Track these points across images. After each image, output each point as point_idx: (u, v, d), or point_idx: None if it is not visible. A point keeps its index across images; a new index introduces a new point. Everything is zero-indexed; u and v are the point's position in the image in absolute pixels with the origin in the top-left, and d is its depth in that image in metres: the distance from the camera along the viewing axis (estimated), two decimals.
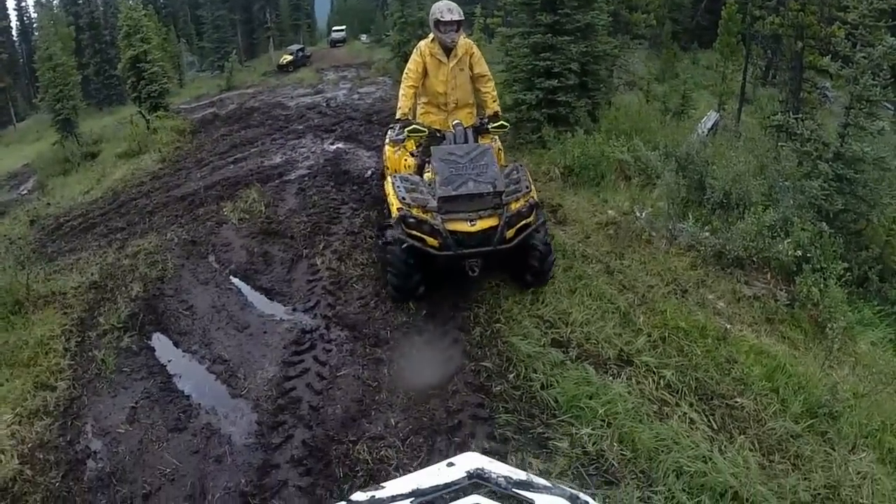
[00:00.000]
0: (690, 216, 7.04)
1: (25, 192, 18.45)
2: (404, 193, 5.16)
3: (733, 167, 7.65)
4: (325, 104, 20.09)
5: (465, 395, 4.43)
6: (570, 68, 10.81)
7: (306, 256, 7.07)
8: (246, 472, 4.03)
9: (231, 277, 6.90)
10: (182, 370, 5.36)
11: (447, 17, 5.80)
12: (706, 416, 4.21)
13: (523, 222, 5.09)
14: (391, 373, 4.78)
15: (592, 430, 3.95)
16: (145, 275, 7.13)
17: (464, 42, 6.02)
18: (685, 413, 4.18)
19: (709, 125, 13.45)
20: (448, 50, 5.95)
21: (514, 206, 5.04)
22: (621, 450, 3.83)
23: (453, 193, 4.98)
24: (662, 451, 3.79)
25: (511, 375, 4.58)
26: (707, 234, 6.85)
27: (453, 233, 4.93)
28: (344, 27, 56.14)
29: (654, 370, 4.59)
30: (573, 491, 1.78)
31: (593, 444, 3.86)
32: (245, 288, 6.65)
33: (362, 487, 1.80)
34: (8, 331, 6.33)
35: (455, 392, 4.47)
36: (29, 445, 4.61)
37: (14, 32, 52.88)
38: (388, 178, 5.88)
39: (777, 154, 9.35)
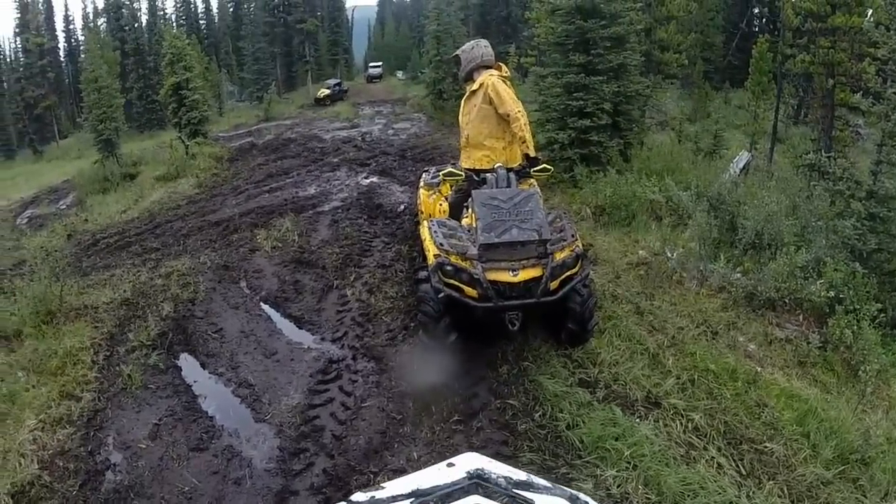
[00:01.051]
0: (722, 257, 6.97)
1: (64, 206, 18.86)
2: (442, 239, 4.87)
3: (765, 207, 7.55)
4: (360, 138, 20.37)
5: (490, 431, 4.40)
6: (602, 108, 10.88)
7: (337, 287, 7.12)
8: (264, 497, 4.03)
9: (261, 304, 6.98)
10: (207, 391, 5.41)
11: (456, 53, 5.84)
12: (734, 460, 4.13)
13: (568, 273, 4.78)
14: (416, 406, 4.75)
15: (618, 472, 3.89)
16: (177, 295, 7.24)
17: (483, 77, 5.72)
18: (713, 457, 4.10)
19: (740, 165, 13.35)
20: (472, 82, 5.83)
21: (559, 256, 4.73)
22: (646, 493, 3.76)
23: (496, 241, 4.66)
24: (689, 496, 3.72)
25: (537, 414, 4.53)
26: (738, 275, 6.77)
27: (494, 283, 4.61)
28: (381, 63, 57.09)
29: (683, 413, 4.51)
30: (573, 491, 1.78)
31: (618, 486, 3.80)
32: (275, 315, 6.71)
33: (362, 488, 1.78)
34: (38, 339, 6.46)
35: (480, 429, 4.44)
36: (50, 452, 4.68)
37: (61, 53, 54.67)
38: (424, 223, 5.62)
39: (809, 193, 9.25)
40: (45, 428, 4.94)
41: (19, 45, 51.07)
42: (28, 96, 46.59)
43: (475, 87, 5.74)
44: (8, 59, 58.05)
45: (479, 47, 5.91)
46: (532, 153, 5.60)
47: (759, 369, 5.27)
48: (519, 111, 5.52)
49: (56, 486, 4.35)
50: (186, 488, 4.19)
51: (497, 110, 5.58)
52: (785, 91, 21.25)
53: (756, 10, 37.42)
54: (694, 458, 4.09)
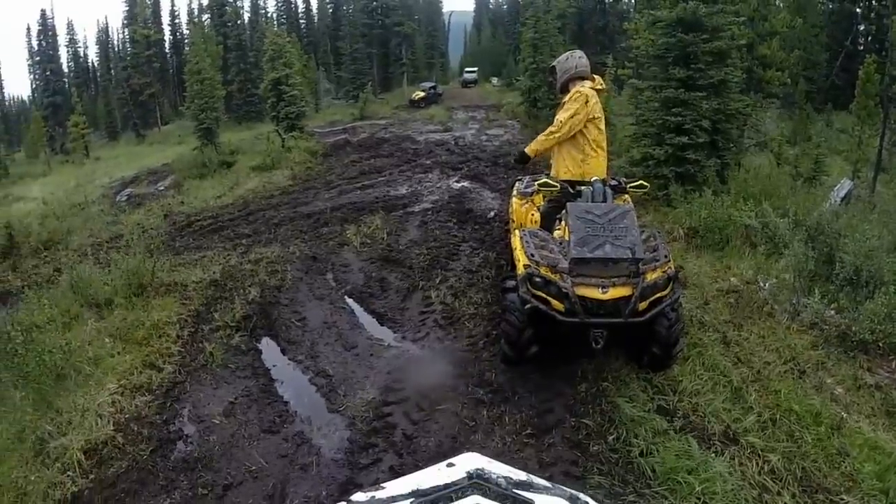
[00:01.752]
0: (816, 291, 6.61)
1: (162, 188, 19.67)
2: (533, 250, 4.82)
3: (866, 242, 7.11)
4: (453, 142, 20.54)
5: (561, 449, 4.34)
6: (701, 125, 10.59)
7: (422, 288, 7.21)
8: (329, 486, 4.10)
9: (346, 297, 7.14)
10: (285, 376, 5.57)
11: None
12: None
13: (658, 295, 4.63)
14: (490, 415, 4.74)
15: None
16: (264, 282, 7.50)
17: (576, 88, 5.72)
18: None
19: (841, 194, 12.69)
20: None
21: (651, 277, 4.59)
22: None
23: (588, 256, 4.56)
24: None
25: (611, 437, 4.43)
26: (832, 312, 6.42)
27: (582, 298, 4.52)
28: (476, 69, 57.34)
29: (760, 453, 4.30)
30: (573, 491, 1.75)
31: None
32: (358, 309, 6.85)
33: (362, 488, 1.79)
34: (128, 310, 6.84)
35: (551, 445, 4.39)
36: (126, 416, 4.94)
37: (167, 45, 57.36)
38: (516, 232, 5.55)
39: None
40: (125, 393, 5.22)
41: (127, 36, 53.88)
42: (134, 84, 49.17)
43: (566, 97, 5.74)
44: (116, 49, 61.57)
45: (574, 58, 5.88)
46: (528, 153, 5.90)
47: (844, 415, 4.94)
48: (562, 122, 5.59)
49: (128, 449, 4.58)
50: (253, 468, 4.32)
51: (598, 125, 5.66)
52: (891, 116, 20.00)
53: (862, 28, 35.44)
54: (766, 502, 3.90)
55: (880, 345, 5.99)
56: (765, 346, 5.84)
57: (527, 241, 4.97)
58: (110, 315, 6.82)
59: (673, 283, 4.75)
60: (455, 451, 4.30)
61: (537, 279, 4.64)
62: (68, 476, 4.32)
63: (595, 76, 5.95)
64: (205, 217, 12.29)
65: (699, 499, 3.81)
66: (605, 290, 4.55)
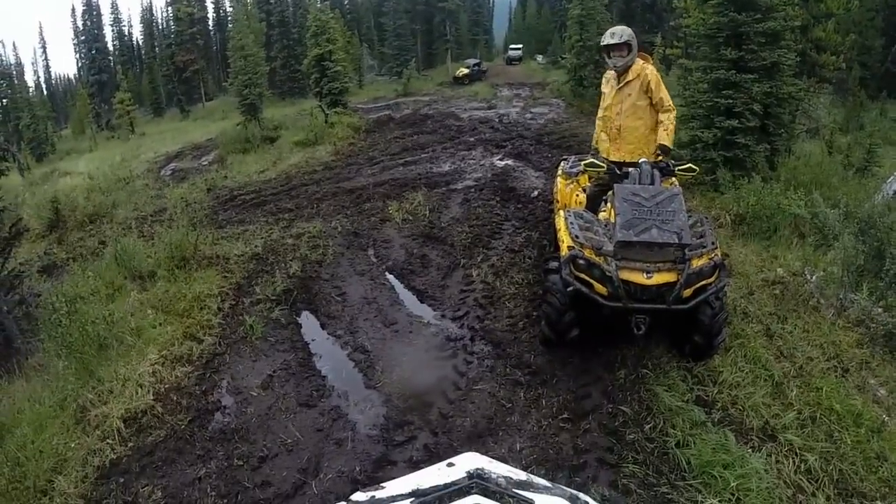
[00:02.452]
0: (865, 287, 6.38)
1: (206, 162, 19.98)
2: (578, 231, 4.77)
3: None
4: (497, 120, 20.40)
5: (597, 436, 4.33)
6: (751, 109, 10.30)
7: (463, 266, 7.22)
8: (362, 461, 4.17)
9: (387, 273, 7.21)
10: (323, 351, 5.67)
11: (608, 41, 5.53)
12: None
13: (703, 283, 4.53)
14: (527, 397, 4.75)
15: (720, 502, 3.71)
16: (305, 256, 7.61)
17: (638, 66, 5.59)
18: None
19: (895, 187, 12.31)
20: (619, 75, 5.65)
21: (697, 263, 4.49)
22: None
23: (634, 239, 4.46)
24: None
25: (648, 426, 4.40)
26: (880, 310, 6.20)
27: (626, 283, 4.44)
28: (521, 46, 56.60)
29: (797, 451, 4.21)
30: (573, 491, 1.75)
31: None
32: (398, 286, 6.91)
33: (362, 488, 1.79)
34: (171, 282, 7.02)
35: (587, 431, 4.38)
36: (166, 386, 5.09)
37: (210, 23, 57.89)
38: (560, 212, 5.49)
39: None
40: (165, 363, 5.37)
41: (171, 14, 54.40)
42: (178, 60, 49.86)
43: (630, 77, 5.60)
44: (160, 27, 62.32)
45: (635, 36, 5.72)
46: (669, 144, 5.49)
47: (886, 418, 4.79)
48: (671, 103, 5.48)
49: (167, 418, 4.72)
50: (289, 440, 4.41)
51: (651, 101, 5.52)
52: None
53: None
54: (800, 502, 3.83)
55: None
56: (808, 340, 5.69)
57: (571, 222, 4.91)
58: (153, 287, 7.00)
59: (719, 270, 4.65)
60: (490, 433, 4.37)
61: (581, 261, 4.60)
62: (107, 444, 4.48)
63: (646, 54, 5.85)
64: (247, 191, 12.48)
65: (733, 495, 3.76)
66: (649, 275, 4.47)
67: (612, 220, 4.77)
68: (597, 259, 4.56)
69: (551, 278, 5.00)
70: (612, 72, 5.74)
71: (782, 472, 4.04)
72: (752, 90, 10.28)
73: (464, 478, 1.75)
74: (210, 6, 57.82)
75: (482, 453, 4.02)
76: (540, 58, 52.58)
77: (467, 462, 1.87)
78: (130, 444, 4.49)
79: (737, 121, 10.20)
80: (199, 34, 51.25)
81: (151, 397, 4.92)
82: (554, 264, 5.03)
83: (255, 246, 8.14)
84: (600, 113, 5.88)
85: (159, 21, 64.34)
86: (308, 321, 6.26)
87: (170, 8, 54.41)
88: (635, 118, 5.62)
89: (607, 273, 4.49)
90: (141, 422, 4.69)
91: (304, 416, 4.70)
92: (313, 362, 5.47)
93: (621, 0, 37.66)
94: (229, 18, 51.17)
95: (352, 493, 1.76)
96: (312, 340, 5.87)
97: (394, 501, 1.68)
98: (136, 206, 13.14)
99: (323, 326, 6.12)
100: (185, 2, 50.06)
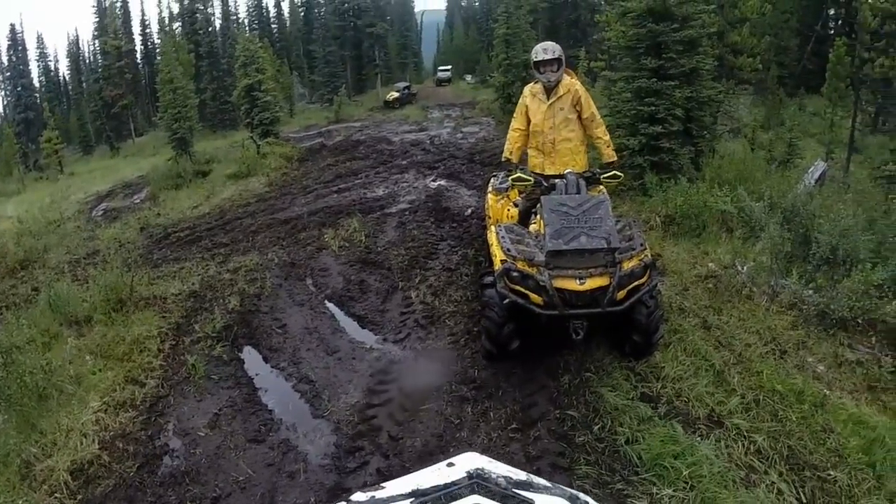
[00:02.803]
0: (794, 272, 6.67)
1: (138, 201, 19.44)
2: (509, 245, 4.84)
3: (840, 221, 7.19)
4: (428, 141, 20.57)
5: (548, 442, 4.36)
6: (674, 114, 10.64)
7: (402, 289, 7.20)
8: (317, 492, 4.11)
9: (326, 302, 7.12)
10: (268, 385, 5.55)
11: (542, 57, 5.66)
12: (795, 487, 3.96)
13: (636, 283, 4.67)
14: (475, 412, 4.75)
15: (674, 491, 3.79)
16: (243, 290, 7.45)
17: (568, 81, 5.77)
18: (773, 482, 3.96)
19: (816, 176, 12.84)
20: (550, 89, 5.78)
21: (627, 266, 4.63)
22: None
23: (564, 247, 4.58)
24: None
25: (596, 427, 4.46)
26: (810, 291, 6.48)
27: (560, 290, 4.53)
28: (450, 67, 57.28)
29: (745, 434, 4.36)
30: (573, 491, 1.76)
31: None
32: (338, 313, 6.83)
33: (363, 487, 1.78)
34: (108, 325, 6.77)
35: (537, 438, 4.40)
36: (111, 433, 4.90)
37: (138, 55, 56.69)
38: (492, 228, 5.59)
39: (887, 208, 8.83)
40: (109, 410, 5.18)
41: (98, 48, 53.35)
42: (106, 95, 48.49)
43: (562, 92, 5.75)
44: (87, 61, 60.87)
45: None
46: (614, 158, 5.79)
47: (827, 392, 5.02)
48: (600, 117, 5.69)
49: (114, 467, 4.54)
50: (241, 478, 4.30)
51: (580, 115, 5.72)
52: (862, 97, 20.29)
53: (832, 12, 35.78)
54: (754, 482, 3.96)
55: (859, 321, 6.08)
56: (745, 328, 5.89)
57: (503, 237, 4.98)
58: (90, 332, 6.76)
59: (650, 270, 4.79)
60: (441, 450, 4.33)
61: (514, 273, 4.66)
62: (56, 498, 4.29)
63: (567, 69, 5.99)
64: (182, 228, 12.19)
65: (687, 483, 3.85)
66: (582, 281, 4.56)
67: (542, 231, 4.86)
68: (530, 270, 4.64)
69: (488, 293, 5.06)
70: (538, 86, 5.87)
71: (733, 456, 4.16)
72: (673, 96, 10.62)
73: (464, 478, 1.74)
74: (138, 38, 56.77)
75: None
76: (469, 77, 53.33)
77: (467, 462, 1.86)
78: (80, 497, 4.31)
79: (660, 126, 10.52)
80: (126, 67, 49.92)
81: (97, 446, 4.73)
82: (489, 279, 5.09)
83: (192, 283, 7.95)
84: (514, 125, 6.00)
85: (86, 55, 62.76)
86: (251, 356, 6.13)
87: (96, 41, 53.28)
88: (568, 131, 5.79)
89: (541, 283, 4.56)
90: (88, 473, 4.50)
91: (255, 452, 4.59)
92: (259, 397, 5.35)
93: (546, 17, 38.52)
94: (157, 51, 50.32)
95: (351, 494, 1.74)
96: (256, 375, 5.74)
97: (394, 501, 1.67)
98: (68, 249, 12.65)
99: (266, 360, 6.01)
100: (111, 34, 48.92)
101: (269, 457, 4.52)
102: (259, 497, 4.12)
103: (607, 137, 5.84)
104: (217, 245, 10.05)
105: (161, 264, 9.35)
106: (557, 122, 5.77)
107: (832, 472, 4.11)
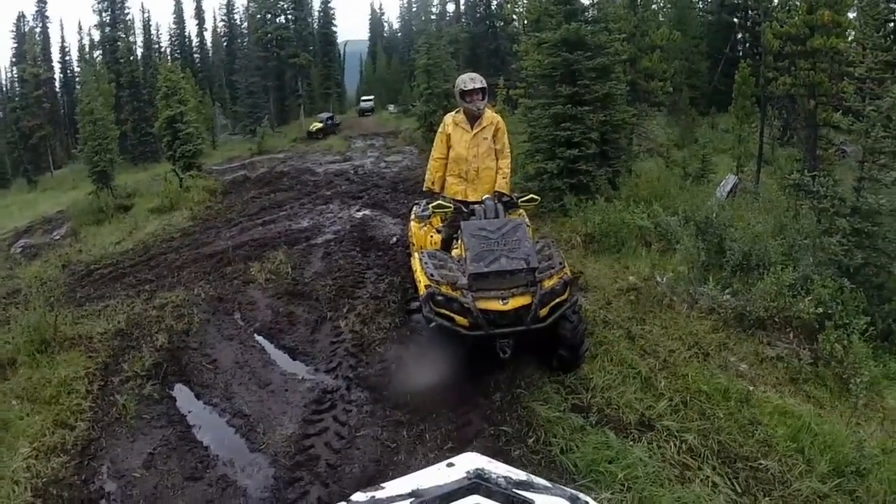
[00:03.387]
0: (711, 279, 7.03)
1: (59, 237, 18.86)
2: (433, 270, 4.95)
3: (752, 228, 7.69)
4: (352, 171, 20.58)
5: None
6: (590, 137, 11.07)
7: (330, 318, 7.16)
8: None
9: (255, 335, 7.01)
10: (202, 421, 5.42)
11: (470, 86, 5.81)
12: (729, 479, 4.16)
13: (557, 300, 4.83)
14: (410, 435, 4.78)
15: (612, 494, 3.91)
16: (171, 327, 7.25)
17: (490, 114, 5.99)
18: (707, 477, 4.14)
19: (728, 188, 13.53)
20: (474, 119, 5.94)
21: (548, 284, 4.80)
22: None
23: (485, 270, 4.73)
24: None
25: (531, 440, 4.56)
26: (728, 296, 6.83)
27: (485, 311, 4.66)
28: (372, 97, 57.54)
29: (676, 434, 4.55)
30: (573, 491, 1.79)
31: None
32: (269, 346, 6.74)
33: (362, 488, 1.80)
34: (33, 368, 6.48)
35: None
36: (43, 480, 4.67)
37: (57, 84, 54.81)
38: (415, 255, 5.70)
39: (796, 213, 9.39)
40: (39, 456, 4.94)
41: (16, 75, 51.32)
42: (23, 126, 46.51)
43: (485, 122, 5.94)
44: (4, 89, 58.32)
45: None
46: (506, 191, 5.93)
47: (751, 388, 5.32)
48: (509, 151, 5.95)
49: None
50: None
51: (496, 145, 5.92)
52: (769, 113, 21.56)
53: (739, 36, 37.93)
54: (689, 478, 4.13)
55: (776, 320, 6.50)
56: (668, 335, 6.17)
57: (426, 262, 5.10)
58: (15, 375, 6.45)
59: (570, 287, 4.97)
60: (380, 474, 4.34)
61: (439, 297, 4.76)
62: None
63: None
64: (105, 265, 11.80)
65: (623, 485, 3.98)
66: (505, 301, 4.71)
67: (464, 255, 4.99)
68: (454, 293, 4.75)
69: (414, 318, 5.16)
70: (460, 115, 6.03)
71: (666, 456, 4.34)
72: (588, 120, 11.07)
73: (464, 478, 1.75)
74: (57, 66, 54.90)
75: None
76: (391, 107, 53.59)
77: (467, 462, 1.87)
78: None
79: (577, 150, 10.93)
80: (45, 97, 48.05)
81: (30, 494, 4.50)
82: (415, 304, 5.18)
83: (118, 321, 7.68)
84: (436, 155, 6.14)
85: (3, 83, 60.02)
86: (182, 393, 5.96)
87: (14, 68, 51.14)
88: (490, 160, 5.99)
89: (465, 305, 4.68)
90: None
91: (193, 490, 4.47)
92: (193, 434, 5.21)
93: (466, 47, 39.31)
94: (77, 80, 48.65)
95: (351, 494, 1.74)
96: (189, 412, 5.59)
97: (394, 502, 1.68)
98: None
99: (198, 396, 5.85)
100: (30, 62, 47.09)
101: (208, 493, 4.42)
102: None
103: (507, 170, 6.02)
104: (142, 281, 9.76)
105: (85, 302, 9.02)
106: (481, 151, 5.95)
107: (763, 462, 4.34)
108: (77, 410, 5.64)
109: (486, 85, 5.89)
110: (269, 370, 6.18)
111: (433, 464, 4.24)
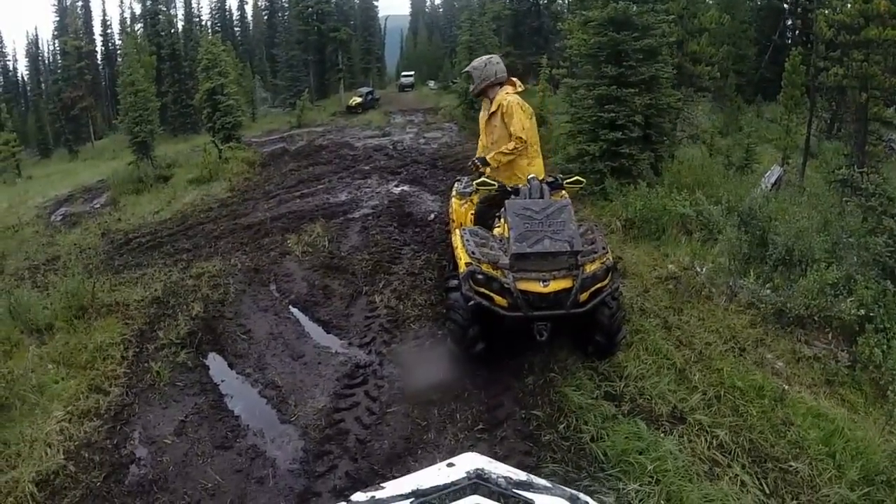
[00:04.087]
0: (751, 273, 6.87)
1: (98, 205, 19.08)
2: (474, 248, 4.90)
3: (796, 223, 7.49)
4: (391, 147, 20.52)
5: (514, 441, 4.40)
6: (634, 120, 10.86)
7: (366, 293, 7.18)
8: (287, 497, 4.08)
9: (290, 307, 7.07)
10: (234, 391, 5.49)
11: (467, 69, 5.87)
12: (758, 479, 4.09)
13: (598, 286, 4.76)
14: (441, 414, 4.77)
15: (640, 486, 3.86)
16: (207, 296, 7.36)
17: (499, 97, 5.88)
18: (737, 475, 4.07)
19: (772, 180, 13.21)
20: (490, 102, 5.96)
21: (590, 268, 4.72)
22: None
23: (528, 251, 4.68)
24: None
25: (561, 426, 4.52)
26: (768, 291, 6.69)
27: (524, 293, 4.62)
28: (412, 73, 57.38)
29: (708, 429, 4.48)
30: (573, 491, 1.78)
31: (640, 501, 3.78)
32: (303, 318, 6.79)
33: (363, 488, 1.80)
34: (70, 333, 6.61)
35: (504, 438, 4.45)
36: (76, 443, 4.78)
37: (99, 56, 55.62)
38: (456, 231, 5.63)
39: (841, 210, 9.15)
40: (73, 420, 5.05)
41: (58, 48, 52.16)
42: (65, 97, 47.42)
43: (493, 107, 5.88)
44: (47, 61, 59.44)
45: (492, 64, 5.99)
46: (488, 160, 5.85)
47: (786, 387, 5.20)
48: (520, 138, 5.69)
49: (80, 477, 4.43)
50: (209, 485, 4.25)
51: (508, 128, 5.78)
52: (818, 105, 20.86)
53: (789, 23, 36.85)
54: (718, 475, 4.07)
55: (815, 318, 6.33)
56: (705, 327, 6.07)
57: (467, 240, 5.04)
58: (52, 340, 6.59)
59: (612, 273, 4.90)
60: (409, 452, 4.35)
61: (479, 276, 4.71)
62: None
63: (514, 80, 6.09)
64: (143, 233, 11.99)
65: (652, 477, 3.93)
66: (546, 283, 4.65)
67: (506, 234, 4.94)
68: (494, 273, 4.70)
69: (452, 296, 5.09)
70: (486, 100, 6.03)
71: (696, 450, 4.27)
72: (633, 103, 10.84)
73: (464, 478, 1.76)
74: (98, 39, 55.80)
75: (403, 472, 4.05)
76: (432, 83, 53.37)
77: (467, 462, 1.87)
78: None
79: (621, 132, 10.74)
80: (87, 69, 48.83)
81: (62, 457, 4.60)
82: (454, 282, 5.13)
83: (155, 289, 7.81)
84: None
85: (46, 55, 61.26)
86: (215, 362, 6.05)
87: (56, 41, 52.08)
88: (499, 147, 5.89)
89: (505, 285, 4.63)
90: (54, 484, 4.38)
91: (222, 459, 4.53)
92: (225, 403, 5.28)
93: (509, 25, 38.79)
94: (118, 52, 49.35)
95: (351, 494, 1.74)
96: (222, 381, 5.66)
97: (394, 501, 1.68)
98: (27, 255, 12.33)
99: (231, 366, 5.93)
100: (72, 34, 47.89)
101: (237, 463, 4.47)
102: (228, 503, 4.08)
103: (504, 147, 5.82)
104: (179, 251, 9.91)
105: (123, 270, 9.18)
106: (496, 138, 5.94)
107: (793, 464, 4.25)
108: (111, 376, 5.75)
109: (470, 70, 5.99)
110: (302, 342, 6.23)
111: (463, 444, 4.29)
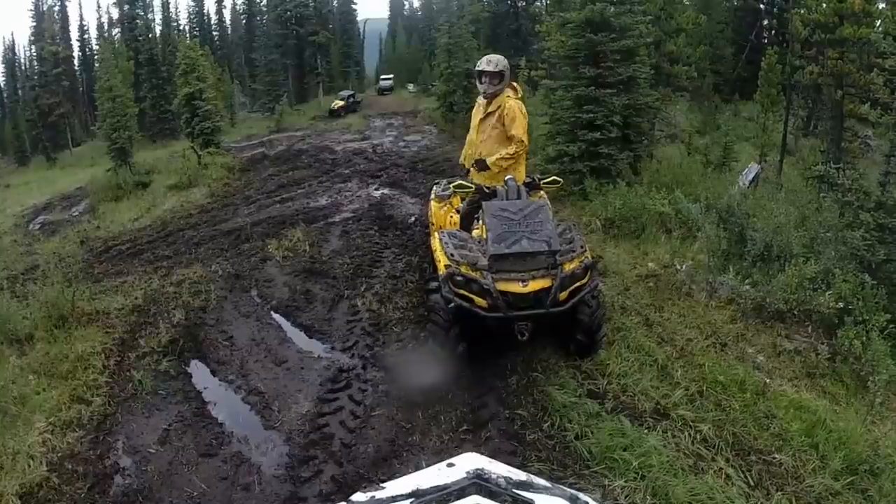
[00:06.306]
0: (731, 269, 6.97)
1: (77, 213, 18.87)
2: (453, 250, 4.93)
3: (774, 219, 7.56)
4: (371, 150, 20.53)
5: (499, 441, 4.42)
6: (612, 121, 10.94)
7: (347, 297, 7.17)
8: (273, 503, 4.07)
9: (272, 312, 7.03)
10: (217, 398, 5.45)
11: (481, 67, 5.80)
12: (743, 471, 4.14)
13: (577, 284, 4.81)
14: (425, 416, 4.78)
15: (626, 482, 3.90)
16: (188, 303, 7.30)
17: (501, 98, 5.85)
18: (721, 468, 4.12)
19: (750, 177, 13.32)
20: (487, 103, 5.92)
21: (568, 267, 4.76)
22: (654, 503, 3.77)
23: (506, 251, 4.72)
24: None
25: (545, 425, 4.55)
26: (747, 286, 6.76)
27: (504, 293, 4.65)
28: (392, 76, 57.20)
29: (691, 424, 4.53)
30: (573, 491, 1.79)
31: (626, 496, 3.81)
32: (285, 323, 6.76)
33: (363, 488, 1.80)
34: (50, 343, 6.51)
35: (489, 438, 4.46)
36: (59, 455, 4.71)
37: (76, 62, 54.89)
38: (435, 234, 5.68)
39: (819, 205, 9.24)
40: (55, 431, 4.97)
41: (34, 54, 51.44)
42: (42, 104, 46.63)
43: (493, 107, 5.86)
44: (23, 67, 58.62)
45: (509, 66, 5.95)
46: (487, 162, 5.81)
47: (767, 381, 5.27)
48: (522, 142, 5.74)
49: (64, 489, 4.37)
50: (195, 493, 4.22)
51: (507, 131, 5.76)
52: (794, 103, 21.14)
53: (766, 23, 37.23)
54: (702, 469, 4.11)
55: (795, 312, 6.40)
56: (686, 324, 6.14)
57: (446, 242, 5.07)
58: (32, 350, 6.49)
59: (591, 271, 4.94)
60: (394, 455, 4.34)
61: (459, 278, 4.73)
62: None
63: (514, 84, 6.09)
64: (123, 241, 11.87)
65: (637, 473, 3.97)
66: (525, 283, 4.70)
67: (484, 235, 4.98)
68: (473, 274, 4.73)
69: (433, 298, 5.13)
70: (483, 98, 5.98)
71: (680, 445, 4.32)
72: (611, 103, 10.93)
73: (464, 478, 1.75)
74: (76, 44, 54.96)
75: (389, 475, 4.04)
76: (411, 86, 53.36)
77: (467, 462, 1.86)
78: None
79: (599, 133, 10.82)
80: (64, 75, 48.10)
81: (45, 468, 4.53)
82: (434, 284, 5.17)
83: (135, 297, 7.73)
84: (469, 133, 6.14)
85: (23, 61, 60.26)
86: (198, 369, 6.00)
87: (33, 47, 51.28)
88: (498, 147, 5.87)
89: (485, 286, 4.66)
90: (38, 496, 4.32)
91: (207, 466, 4.51)
92: (208, 410, 5.24)
93: (488, 27, 38.88)
94: (96, 57, 48.68)
95: (351, 494, 1.73)
96: (205, 388, 5.63)
97: (394, 501, 1.67)
98: (5, 264, 12.15)
99: (214, 373, 5.90)
100: (49, 40, 47.22)
101: (222, 470, 4.44)
102: None
103: (505, 152, 5.78)
104: (159, 258, 9.82)
105: (103, 278, 9.08)
106: (486, 138, 5.93)
107: (777, 455, 4.32)
108: (93, 386, 5.68)
109: (502, 69, 5.80)
110: (285, 348, 6.20)
111: (448, 445, 4.29)
